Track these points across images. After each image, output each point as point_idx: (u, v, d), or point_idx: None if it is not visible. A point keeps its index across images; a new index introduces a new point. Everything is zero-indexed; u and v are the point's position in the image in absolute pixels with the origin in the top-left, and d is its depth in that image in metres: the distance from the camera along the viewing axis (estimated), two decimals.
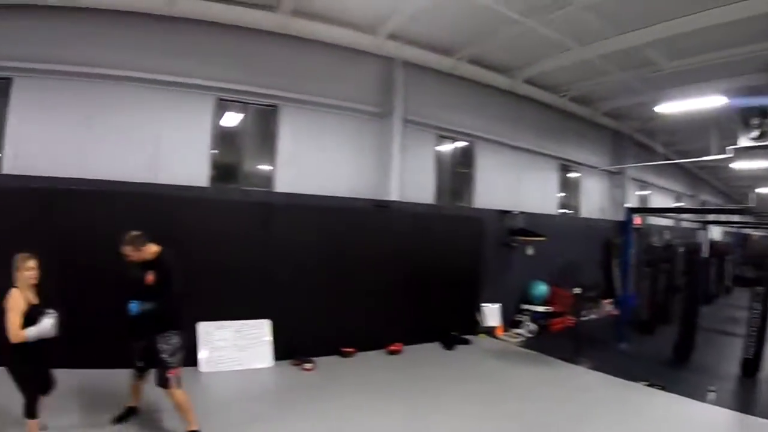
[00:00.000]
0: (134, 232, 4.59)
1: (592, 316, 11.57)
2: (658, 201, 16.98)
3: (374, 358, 7.93)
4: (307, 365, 7.08)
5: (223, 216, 7.02)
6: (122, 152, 7.24)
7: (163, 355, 4.53)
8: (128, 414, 4.92)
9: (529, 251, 10.70)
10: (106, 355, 5.97)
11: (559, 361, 8.15)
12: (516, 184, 11.42)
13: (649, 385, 7.04)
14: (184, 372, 4.81)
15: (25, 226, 6.03)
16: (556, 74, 10.47)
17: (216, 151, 7.84)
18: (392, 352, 8.11)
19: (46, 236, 5.95)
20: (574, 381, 7.29)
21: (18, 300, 3.92)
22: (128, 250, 4.54)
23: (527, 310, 10.60)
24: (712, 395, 6.51)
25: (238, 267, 7.02)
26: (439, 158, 10.24)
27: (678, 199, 18.88)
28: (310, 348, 7.35)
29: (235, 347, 6.99)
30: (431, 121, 9.75)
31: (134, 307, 4.42)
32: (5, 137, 7.01)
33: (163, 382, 4.56)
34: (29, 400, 3.97)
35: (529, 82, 10.84)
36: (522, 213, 10.77)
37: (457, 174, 10.69)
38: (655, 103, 9.79)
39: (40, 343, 3.94)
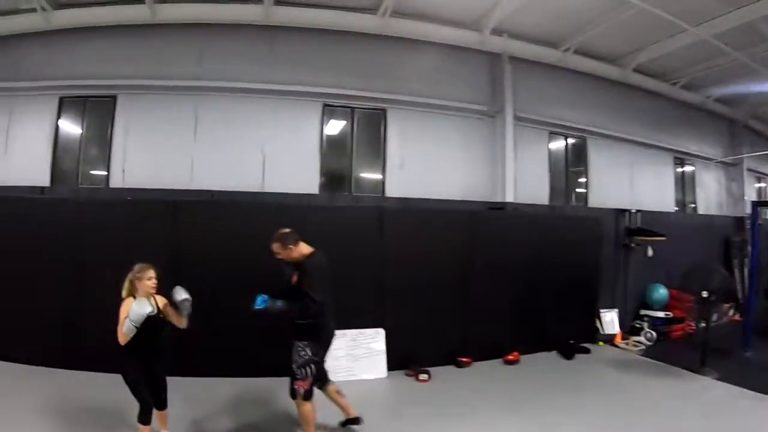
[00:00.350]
0: (284, 230, 4.25)
1: (713, 322, 10.53)
2: None
3: (491, 368, 7.15)
4: (423, 376, 6.43)
5: (335, 223, 6.49)
6: (229, 163, 7.06)
7: (293, 365, 4.18)
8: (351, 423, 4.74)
9: (650, 252, 9.84)
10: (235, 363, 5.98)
11: (685, 372, 7.09)
12: (629, 181, 10.20)
13: None
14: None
15: (146, 237, 5.87)
16: (666, 60, 9.30)
17: (324, 158, 7.45)
18: (509, 362, 7.32)
19: (166, 247, 5.83)
20: (704, 394, 6.28)
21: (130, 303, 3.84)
22: (276, 248, 4.20)
23: (646, 315, 9.36)
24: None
25: (352, 274, 6.32)
26: (552, 156, 9.30)
27: None
28: (424, 358, 6.75)
29: (349, 357, 6.45)
30: (542, 117, 8.84)
31: (259, 301, 4.03)
32: (112, 153, 7.24)
33: (292, 393, 4.28)
34: (140, 405, 3.94)
35: (639, 70, 9.67)
36: (639, 211, 9.84)
37: (570, 172, 9.70)
38: None
39: (148, 351, 3.92)
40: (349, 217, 6.77)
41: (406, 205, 7.37)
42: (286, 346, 4.27)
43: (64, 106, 7.52)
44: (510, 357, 7.46)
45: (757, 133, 13.15)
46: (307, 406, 4.21)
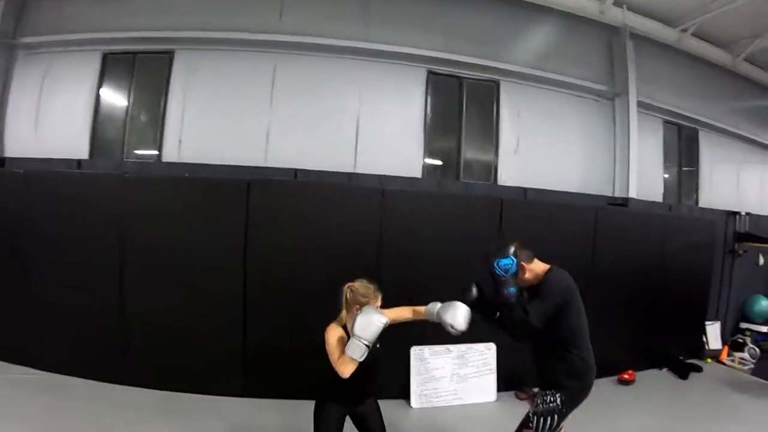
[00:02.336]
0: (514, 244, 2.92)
1: None
2: None
3: (606, 388, 5.61)
4: (524, 393, 5.17)
5: (442, 214, 5.00)
6: (314, 137, 5.55)
7: (529, 410, 3.03)
8: None
9: (761, 261, 8.40)
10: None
11: None
12: (736, 180, 8.77)
13: None
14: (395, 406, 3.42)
15: (209, 223, 4.48)
16: None
17: (429, 137, 5.95)
18: (624, 382, 5.99)
19: (234, 237, 4.47)
20: None
21: (339, 334, 2.64)
22: None
23: (748, 330, 8.08)
24: None
25: (461, 277, 5.22)
26: (665, 148, 7.84)
27: None
28: (534, 377, 5.57)
29: (454, 378, 5.05)
30: (658, 103, 7.37)
31: (507, 262, 2.70)
32: (166, 121, 5.69)
33: None
34: None
35: (749, 60, 8.29)
36: (748, 214, 8.48)
37: (682, 168, 8.24)
38: None
39: (359, 389, 2.77)
40: (461, 208, 5.18)
41: (524, 196, 5.83)
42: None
43: (108, 63, 5.97)
44: (625, 376, 6.11)
45: None
46: None
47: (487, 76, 6.15)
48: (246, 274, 4.44)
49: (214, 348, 4.49)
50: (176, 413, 4.16)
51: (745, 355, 7.75)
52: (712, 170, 8.30)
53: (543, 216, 5.49)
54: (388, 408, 4.59)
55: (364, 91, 5.69)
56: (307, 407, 4.44)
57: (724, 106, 8.40)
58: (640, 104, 7.00)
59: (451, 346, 5.05)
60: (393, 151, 5.65)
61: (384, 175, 5.48)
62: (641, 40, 7.16)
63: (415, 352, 4.93)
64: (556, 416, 2.93)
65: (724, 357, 7.60)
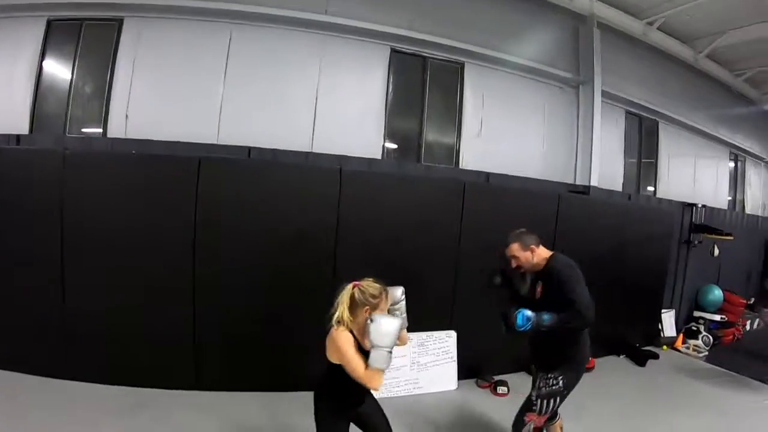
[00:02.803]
0: (520, 230, 3.13)
1: (755, 327, 9.42)
2: None
3: None
4: (501, 389, 4.97)
5: (403, 197, 4.76)
6: (270, 114, 5.20)
7: (532, 392, 3.09)
8: None
9: (716, 252, 8.49)
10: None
11: (760, 384, 5.94)
12: (692, 173, 8.86)
13: None
14: None
15: (156, 204, 4.10)
16: (740, 49, 8.01)
17: (390, 117, 5.67)
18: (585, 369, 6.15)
19: (183, 219, 4.10)
20: None
21: (351, 340, 2.38)
22: (515, 251, 3.07)
23: (701, 318, 8.18)
24: None
25: (423, 262, 4.79)
26: (626, 139, 7.82)
27: None
28: (494, 365, 5.25)
29: (415, 366, 4.85)
30: (621, 93, 7.31)
31: (521, 318, 2.77)
32: (113, 94, 5.27)
33: (516, 424, 3.12)
34: None
35: (710, 56, 8.40)
36: (704, 206, 8.55)
37: (641, 158, 8.24)
38: None
39: (358, 397, 2.58)
40: (423, 191, 4.95)
41: (486, 180, 5.65)
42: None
43: (52, 31, 5.43)
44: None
45: None
46: None
47: (452, 57, 5.91)
48: (196, 257, 4.10)
49: (163, 337, 4.15)
50: (127, 409, 3.80)
51: (699, 342, 7.84)
52: (670, 162, 8.36)
53: (505, 201, 5.34)
54: None
55: (324, 67, 5.37)
56: (263, 398, 4.20)
57: (684, 100, 8.47)
58: (603, 94, 6.92)
59: (411, 334, 4.83)
60: (352, 131, 5.37)
61: (343, 156, 5.19)
62: (607, 30, 7.07)
63: None
64: (558, 398, 2.97)
65: (679, 344, 7.67)
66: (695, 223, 8.15)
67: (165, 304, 4.13)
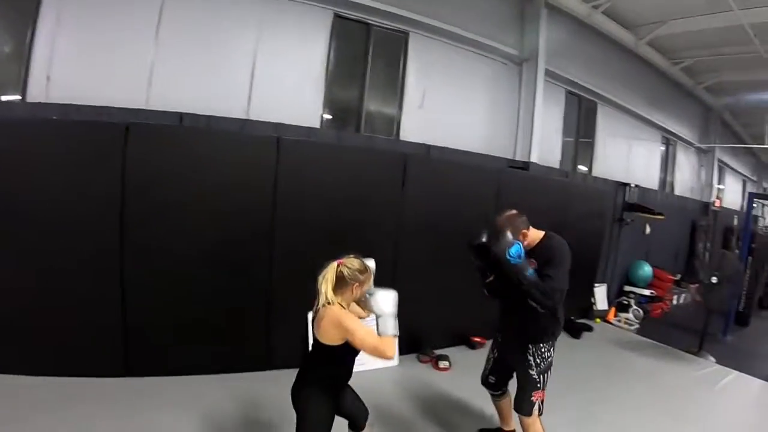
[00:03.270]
0: (510, 211, 2.91)
1: (681, 302, 9.93)
2: (730, 183, 14.68)
3: None
4: (443, 364, 4.91)
5: (343, 167, 4.56)
6: (204, 78, 4.80)
7: (532, 372, 2.93)
8: None
9: (647, 230, 8.81)
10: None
11: (687, 355, 6.26)
12: (627, 154, 9.11)
13: None
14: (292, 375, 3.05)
15: (80, 175, 3.66)
16: (681, 38, 8.14)
17: (330, 86, 5.39)
18: None
19: (109, 190, 3.69)
20: (725, 382, 5.40)
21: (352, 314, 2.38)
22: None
23: (631, 292, 8.52)
24: None
25: (361, 236, 4.56)
26: (565, 118, 7.86)
27: (744, 184, 16.40)
28: (434, 339, 5.23)
29: None
30: (563, 73, 7.34)
31: (515, 249, 2.64)
32: (33, 54, 4.79)
33: (524, 406, 2.97)
34: None
35: (650, 44, 8.52)
36: (637, 186, 8.82)
37: (579, 137, 8.34)
38: None
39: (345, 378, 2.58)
40: (363, 162, 4.75)
41: (427, 153, 5.55)
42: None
43: None
44: None
45: (725, 125, 12.65)
46: (538, 423, 3.00)
47: (397, 26, 5.69)
48: (123, 232, 3.71)
49: (88, 320, 3.75)
50: (56, 401, 3.39)
51: (630, 315, 8.14)
52: (606, 142, 8.56)
53: (447, 174, 5.26)
54: (287, 379, 4.17)
55: (262, 30, 5.03)
56: (199, 382, 3.90)
57: (623, 83, 8.65)
58: (546, 72, 6.94)
59: None
60: (291, 99, 5.10)
61: (280, 124, 4.93)
62: (553, 9, 7.04)
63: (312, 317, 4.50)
64: (551, 367, 2.98)
65: (611, 317, 7.94)
66: (628, 202, 8.43)
67: (90, 284, 3.73)
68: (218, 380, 3.98)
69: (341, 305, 2.31)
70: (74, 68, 4.64)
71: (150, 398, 3.59)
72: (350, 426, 2.72)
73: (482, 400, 4.06)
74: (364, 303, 2.39)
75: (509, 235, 2.65)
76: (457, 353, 5.22)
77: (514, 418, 3.19)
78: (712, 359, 6.15)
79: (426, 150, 5.62)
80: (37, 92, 4.60)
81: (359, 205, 4.59)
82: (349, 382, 2.59)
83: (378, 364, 4.63)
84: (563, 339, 6.47)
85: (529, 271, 2.64)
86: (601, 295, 8.20)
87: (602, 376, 5.34)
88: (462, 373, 4.75)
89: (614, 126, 8.67)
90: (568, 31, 7.35)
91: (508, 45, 6.63)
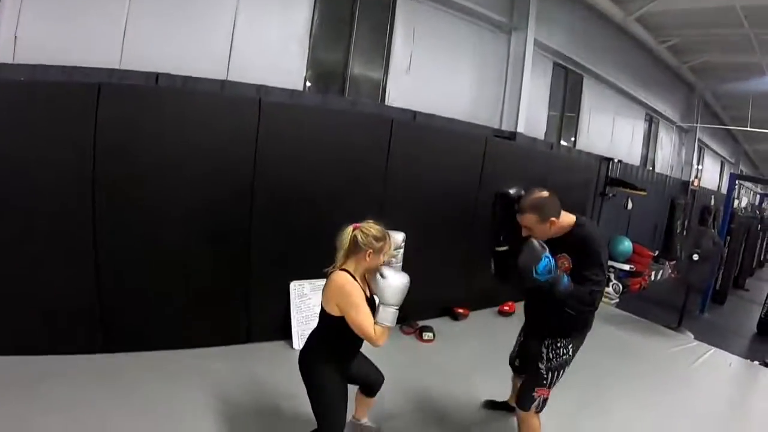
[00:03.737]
0: (540, 193, 2.43)
1: (659, 278, 10.06)
2: (708, 164, 14.89)
3: (488, 319, 5.72)
4: (427, 335, 4.79)
5: (327, 131, 4.33)
6: (181, 38, 4.50)
7: (541, 366, 2.62)
8: (501, 407, 3.47)
9: (629, 205, 8.82)
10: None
11: (668, 330, 6.25)
12: (611, 129, 9.09)
13: (763, 364, 5.57)
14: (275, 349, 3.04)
15: (49, 139, 3.33)
16: (668, 16, 8.06)
17: (314, 47, 5.14)
18: (504, 313, 5.92)
19: (80, 153, 3.37)
20: (706, 360, 5.35)
21: (358, 287, 2.18)
22: (528, 222, 2.43)
23: (612, 267, 8.46)
24: None
25: (346, 204, 4.35)
26: (551, 90, 7.74)
27: (722, 165, 16.71)
28: (417, 310, 5.02)
29: None
30: (552, 44, 7.20)
31: (544, 264, 2.20)
32: (1, 13, 4.40)
33: (524, 400, 2.67)
34: None
35: (639, 20, 8.37)
36: (620, 161, 8.80)
37: (565, 109, 8.26)
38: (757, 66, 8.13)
39: (353, 354, 2.45)
40: (348, 126, 4.53)
41: (413, 118, 5.40)
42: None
43: None
44: (506, 307, 6.05)
45: (706, 106, 12.67)
46: (535, 420, 2.70)
47: None
48: (95, 199, 3.41)
49: (61, 294, 3.49)
50: (29, 380, 3.13)
51: (610, 290, 8.19)
52: (591, 116, 8.51)
53: (433, 140, 5.09)
54: (267, 351, 4.02)
55: None
56: (180, 356, 3.67)
57: (610, 59, 8.56)
58: (535, 42, 6.79)
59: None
60: (273, 60, 4.86)
61: (262, 86, 4.70)
62: None
63: (295, 287, 4.30)
64: (566, 367, 2.65)
65: None
66: (611, 177, 8.42)
67: (61, 257, 3.47)
68: (197, 355, 3.76)
69: (350, 273, 2.16)
70: (43, 27, 4.31)
71: (131, 373, 3.39)
72: (362, 390, 2.63)
73: (467, 371, 4.09)
74: (373, 280, 2.17)
75: (536, 245, 2.25)
76: (441, 324, 5.12)
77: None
78: (691, 335, 6.21)
79: (412, 116, 5.46)
80: (4, 53, 4.29)
81: (343, 170, 4.41)
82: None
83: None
84: None
85: (564, 281, 2.27)
86: None
87: (586, 348, 5.35)
88: (446, 345, 4.68)
89: (599, 100, 8.61)
90: (557, 2, 7.18)
91: (497, 12, 6.44)
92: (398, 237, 2.44)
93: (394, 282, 2.10)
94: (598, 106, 8.63)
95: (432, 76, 5.83)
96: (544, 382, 2.60)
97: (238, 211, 3.93)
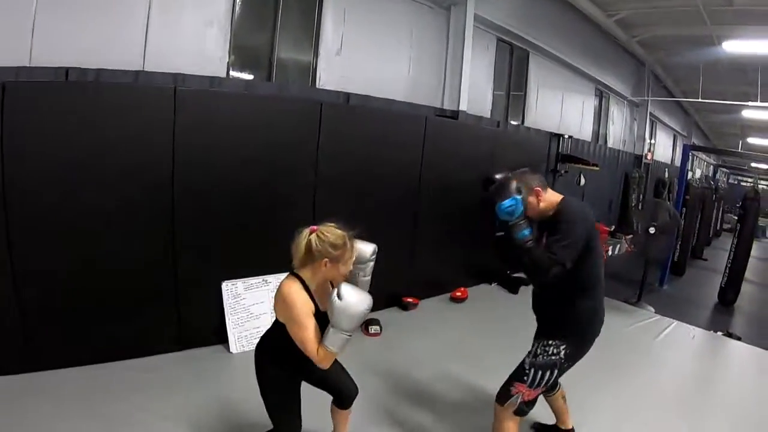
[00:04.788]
0: (521, 170, 2.45)
1: (616, 253, 10.07)
2: (661, 137, 14.94)
3: (441, 308, 5.51)
4: (373, 329, 4.53)
5: (252, 119, 4.03)
6: (93, 28, 4.00)
7: (526, 359, 2.45)
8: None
9: (582, 181, 8.73)
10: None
11: (627, 305, 6.25)
12: (560, 106, 8.97)
13: (726, 335, 5.61)
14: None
15: None
16: None
17: (237, 30, 4.72)
18: (457, 299, 5.74)
19: None
20: (668, 333, 5.32)
21: (306, 299, 1.93)
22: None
23: None
24: None
25: (274, 192, 4.18)
26: (496, 67, 7.46)
27: (674, 139, 16.85)
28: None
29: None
30: (495, 20, 6.86)
31: (509, 203, 2.22)
32: None
33: (501, 392, 2.46)
34: None
35: None
36: (571, 137, 8.69)
37: (510, 86, 8.02)
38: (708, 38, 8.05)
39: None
40: (275, 112, 4.23)
41: (346, 101, 5.15)
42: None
43: None
44: (458, 293, 5.89)
45: (657, 80, 12.66)
46: (510, 425, 2.43)
47: None
48: (6, 202, 3.06)
49: None
50: None
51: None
52: (539, 93, 8.37)
53: (369, 123, 4.84)
54: (204, 357, 3.70)
55: None
56: (108, 370, 3.33)
57: (557, 33, 8.38)
58: (476, 18, 6.50)
59: (268, 277, 4.22)
60: (192, 46, 4.45)
61: (180, 74, 4.31)
62: None
63: (228, 287, 4.02)
64: (556, 371, 2.38)
65: None
66: (562, 153, 8.32)
67: None
68: (125, 367, 3.44)
69: (303, 282, 1.94)
70: None
71: (54, 392, 3.03)
72: (334, 401, 2.38)
73: (415, 366, 3.85)
74: (328, 298, 1.88)
75: (513, 186, 2.25)
76: (388, 316, 4.88)
77: None
78: (651, 309, 6.18)
79: (345, 98, 5.17)
80: None
81: (272, 158, 4.13)
82: None
83: None
84: (501, 294, 6.36)
85: (524, 232, 2.22)
86: None
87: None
88: (394, 338, 4.46)
89: (547, 76, 8.47)
90: None
91: None
92: (367, 249, 2.19)
93: (350, 306, 1.82)
94: (546, 83, 8.48)
95: (366, 56, 5.51)
96: (525, 378, 2.37)
97: (158, 208, 3.61)
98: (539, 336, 2.48)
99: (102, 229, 3.37)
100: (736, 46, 7.89)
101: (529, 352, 2.45)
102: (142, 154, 3.50)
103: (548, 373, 2.35)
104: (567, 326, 2.38)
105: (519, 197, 2.21)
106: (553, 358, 2.35)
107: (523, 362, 2.44)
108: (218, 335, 3.92)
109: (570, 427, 3.04)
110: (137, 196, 3.50)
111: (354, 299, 1.84)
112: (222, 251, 3.95)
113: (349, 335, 1.87)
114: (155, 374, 3.37)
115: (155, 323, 3.70)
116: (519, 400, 2.36)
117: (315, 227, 1.97)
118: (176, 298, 3.77)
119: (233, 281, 4.05)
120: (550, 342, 2.38)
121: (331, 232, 1.95)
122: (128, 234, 3.48)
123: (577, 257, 2.15)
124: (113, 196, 3.38)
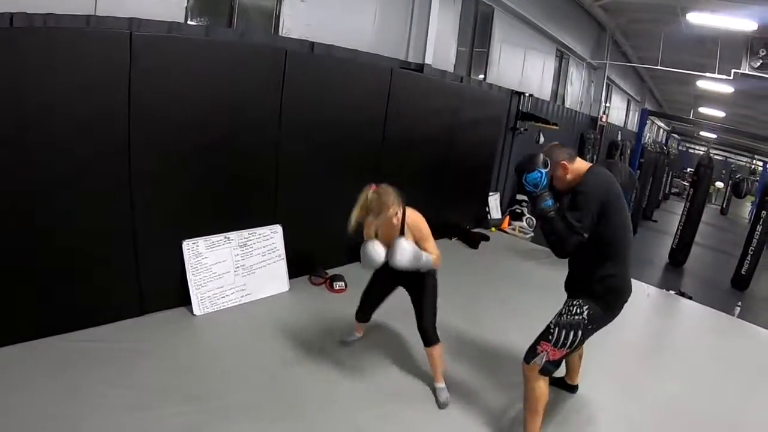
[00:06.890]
0: (552, 143, 2.57)
1: None
2: (616, 101, 15.07)
3: None
4: (338, 284, 4.62)
5: (212, 69, 3.83)
6: None
7: (551, 322, 2.53)
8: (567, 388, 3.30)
9: (541, 139, 8.88)
10: None
11: None
12: (522, 64, 9.00)
13: (679, 294, 6.04)
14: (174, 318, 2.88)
15: None
16: None
17: None
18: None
19: None
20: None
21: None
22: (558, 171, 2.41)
23: (524, 201, 8.64)
24: (737, 309, 5.72)
25: (236, 145, 4.06)
26: (461, 22, 7.33)
27: (628, 103, 17.12)
28: (325, 258, 4.93)
29: (240, 271, 4.17)
30: None
31: (535, 176, 2.29)
32: None
33: (528, 352, 2.55)
34: None
35: None
36: (531, 96, 8.78)
37: (474, 43, 7.95)
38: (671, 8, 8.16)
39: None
40: (237, 60, 4.04)
41: (310, 50, 5.00)
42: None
43: None
44: None
45: (616, 45, 12.79)
46: (540, 384, 2.51)
47: None
48: None
49: None
50: None
51: (524, 224, 8.42)
52: (502, 50, 8.37)
53: (334, 73, 4.71)
54: (167, 321, 3.64)
55: None
56: (67, 340, 3.17)
57: None
58: None
59: (231, 234, 4.17)
60: None
61: (135, 18, 4.05)
62: None
63: (188, 246, 3.89)
64: (579, 331, 2.43)
65: (505, 226, 8.15)
66: (522, 111, 8.44)
67: None
68: (84, 337, 3.29)
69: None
70: None
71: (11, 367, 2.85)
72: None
73: (381, 320, 3.87)
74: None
75: (539, 159, 2.30)
76: (353, 271, 4.76)
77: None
78: None
79: (309, 47, 5.03)
80: None
81: (234, 108, 4.00)
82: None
83: (266, 293, 4.31)
84: (461, 249, 6.55)
85: (547, 202, 2.27)
86: (494, 203, 8.37)
87: (503, 283, 5.46)
88: (359, 293, 4.54)
89: (510, 34, 8.46)
90: None
91: None
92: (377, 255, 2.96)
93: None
94: (510, 40, 8.48)
95: (332, 4, 5.32)
96: (550, 337, 2.46)
97: (113, 164, 3.39)
98: (569, 297, 2.59)
99: (53, 189, 3.13)
100: (699, 18, 8.01)
101: (558, 312, 2.54)
102: (95, 107, 3.23)
103: (572, 334, 2.42)
104: (590, 288, 2.46)
105: (545, 170, 2.28)
106: (577, 317, 2.43)
107: (549, 322, 2.54)
108: (181, 297, 3.84)
109: (576, 383, 3.27)
110: (91, 153, 3.25)
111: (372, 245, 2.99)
112: (182, 209, 3.82)
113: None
114: (117, 343, 3.25)
115: (114, 288, 3.55)
116: (544, 359, 2.44)
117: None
118: (135, 261, 3.61)
119: (194, 240, 3.92)
120: (575, 302, 2.48)
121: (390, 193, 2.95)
122: (82, 194, 3.26)
123: (592, 226, 2.23)
124: (65, 153, 3.13)
